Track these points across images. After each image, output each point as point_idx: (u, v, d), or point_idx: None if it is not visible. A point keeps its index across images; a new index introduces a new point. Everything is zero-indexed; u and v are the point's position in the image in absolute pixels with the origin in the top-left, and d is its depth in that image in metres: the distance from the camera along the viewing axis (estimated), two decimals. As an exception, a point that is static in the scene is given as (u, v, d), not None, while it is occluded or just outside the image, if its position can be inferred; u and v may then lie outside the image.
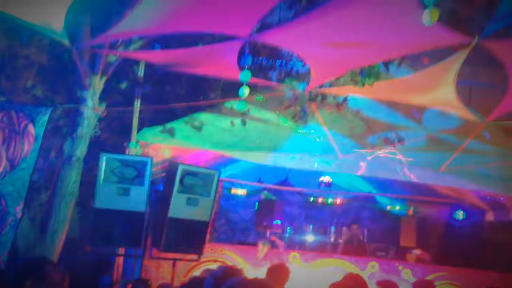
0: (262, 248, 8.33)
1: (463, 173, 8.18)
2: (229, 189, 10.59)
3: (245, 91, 5.20)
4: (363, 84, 5.81)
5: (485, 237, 9.86)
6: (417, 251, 9.57)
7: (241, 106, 5.64)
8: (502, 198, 9.15)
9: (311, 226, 10.84)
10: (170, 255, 7.19)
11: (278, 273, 5.68)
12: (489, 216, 10.05)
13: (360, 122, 8.13)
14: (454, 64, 5.16)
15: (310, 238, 10.74)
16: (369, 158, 8.29)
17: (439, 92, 5.61)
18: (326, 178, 9.93)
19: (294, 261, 8.41)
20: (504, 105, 5.85)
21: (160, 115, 7.90)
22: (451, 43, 4.69)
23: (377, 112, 7.89)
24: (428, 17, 3.51)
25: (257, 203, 10.18)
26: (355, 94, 6.53)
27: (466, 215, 10.02)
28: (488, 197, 9.34)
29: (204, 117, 7.79)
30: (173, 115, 7.81)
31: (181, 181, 6.93)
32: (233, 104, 6.95)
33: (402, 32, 4.45)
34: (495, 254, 9.24)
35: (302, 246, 10.27)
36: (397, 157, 8.16)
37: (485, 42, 4.48)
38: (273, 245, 8.71)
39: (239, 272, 3.16)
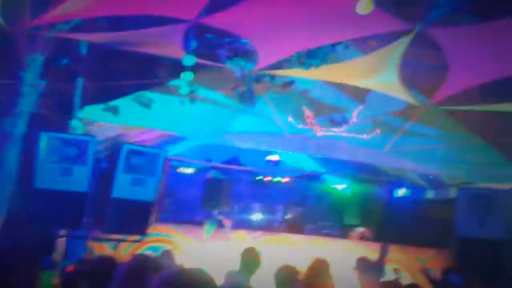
0: (209, 228, 8.35)
1: (406, 154, 8.43)
2: (177, 168, 10.49)
3: (188, 75, 5.11)
4: (310, 66, 5.82)
5: (425, 214, 10.23)
6: (360, 229, 9.86)
7: (184, 90, 5.55)
8: (441, 178, 9.49)
9: (258, 205, 10.94)
10: (114, 236, 7.07)
11: (251, 257, 5.71)
12: (429, 194, 10.42)
13: (308, 103, 8.18)
14: (397, 48, 5.24)
15: (257, 216, 10.85)
16: (315, 138, 8.39)
17: (383, 75, 5.70)
18: (273, 157, 9.99)
19: (241, 240, 8.49)
20: (445, 89, 6.01)
21: (105, 92, 7.66)
22: (395, 29, 4.76)
23: (325, 93, 7.96)
24: (363, 6, 3.52)
25: (204, 182, 10.16)
26: (302, 76, 6.54)
27: (408, 193, 10.34)
28: (428, 177, 9.67)
29: (152, 95, 7.63)
30: (119, 93, 7.59)
31: (125, 160, 6.79)
32: (181, 83, 6.85)
33: (347, 16, 4.46)
34: (434, 231, 9.63)
35: (249, 225, 10.36)
36: (343, 137, 8.29)
37: (427, 28, 4.56)
38: (220, 224, 8.74)
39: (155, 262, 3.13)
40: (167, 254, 6.63)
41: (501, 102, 6.70)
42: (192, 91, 6.61)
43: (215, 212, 9.25)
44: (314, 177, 11.53)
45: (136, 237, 7.29)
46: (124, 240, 7.25)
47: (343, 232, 10.04)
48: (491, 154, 7.96)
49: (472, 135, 7.71)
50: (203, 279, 2.15)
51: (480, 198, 7.52)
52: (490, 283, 7.53)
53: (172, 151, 9.53)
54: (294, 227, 10.06)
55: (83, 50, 6.66)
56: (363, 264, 6.04)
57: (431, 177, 9.65)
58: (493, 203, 7.43)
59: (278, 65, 6.26)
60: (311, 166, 11.35)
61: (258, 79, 6.58)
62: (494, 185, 8.19)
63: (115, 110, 7.23)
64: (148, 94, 7.54)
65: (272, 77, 6.98)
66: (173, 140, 8.78)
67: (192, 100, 7.36)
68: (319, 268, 5.10)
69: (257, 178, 11.50)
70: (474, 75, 5.85)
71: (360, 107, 8.01)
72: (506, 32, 4.72)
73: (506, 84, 6.88)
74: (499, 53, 5.14)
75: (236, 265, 7.18)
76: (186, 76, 5.22)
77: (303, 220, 10.51)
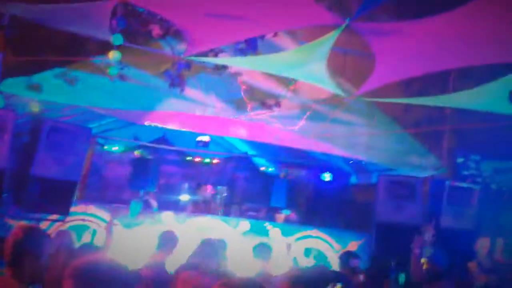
0: (135, 208, 8.23)
1: (332, 140, 8.68)
2: (103, 146, 10.22)
3: (115, 55, 4.97)
4: (242, 55, 5.82)
5: (349, 199, 10.62)
6: (286, 211, 10.09)
7: (112, 70, 5.40)
8: (364, 163, 9.85)
9: (186, 185, 10.90)
10: (34, 215, 6.82)
11: (168, 239, 5.76)
12: (354, 179, 10.80)
13: (240, 87, 8.21)
14: (327, 41, 5.34)
15: (185, 197, 10.81)
16: (246, 121, 8.44)
17: (312, 67, 5.81)
18: (204, 138, 9.94)
19: (168, 221, 8.44)
20: (370, 82, 6.21)
21: (28, 67, 7.29)
22: (327, 22, 4.83)
23: (256, 78, 8.00)
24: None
25: (131, 161, 9.98)
26: (234, 64, 6.54)
27: (333, 177, 10.67)
28: (353, 162, 10.01)
29: (78, 73, 7.35)
30: (43, 67, 7.26)
31: (47, 137, 6.54)
32: (109, 61, 6.65)
33: (282, 7, 4.49)
34: (357, 215, 10.02)
35: (176, 206, 10.31)
36: (273, 122, 8.40)
37: (355, 23, 4.67)
38: (146, 204, 8.64)
39: None
40: (64, 234, 6.49)
41: (422, 95, 7.03)
42: (120, 70, 6.43)
43: (141, 192, 9.13)
44: (243, 159, 11.62)
45: (58, 216, 7.09)
46: (44, 219, 7.02)
47: (269, 214, 10.22)
48: (411, 143, 8.36)
49: (395, 125, 8.05)
50: (118, 272, 2.12)
51: (398, 185, 7.90)
52: (404, 267, 7.98)
53: (99, 128, 9.27)
54: (221, 209, 10.14)
55: (4, 22, 6.29)
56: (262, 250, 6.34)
57: (355, 163, 9.98)
58: (410, 190, 7.82)
59: (210, 52, 6.21)
60: (241, 148, 11.44)
61: (189, 63, 6.50)
62: (413, 173, 8.62)
63: (38, 85, 6.91)
64: (74, 71, 7.26)
65: (204, 63, 6.92)
66: (99, 117, 8.53)
67: (120, 79, 7.17)
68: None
69: (186, 159, 11.43)
70: (398, 70, 6.08)
71: (291, 93, 8.13)
72: (430, 30, 4.92)
73: (428, 80, 7.23)
74: (423, 50, 5.36)
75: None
76: (114, 55, 5.07)
77: (231, 201, 10.60)
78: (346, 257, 6.56)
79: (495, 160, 9.04)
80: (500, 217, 9.03)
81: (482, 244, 8.63)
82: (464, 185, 8.36)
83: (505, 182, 9.35)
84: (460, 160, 8.86)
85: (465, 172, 8.89)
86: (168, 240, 5.85)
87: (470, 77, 6.94)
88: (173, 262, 5.66)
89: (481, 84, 5.85)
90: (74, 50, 6.84)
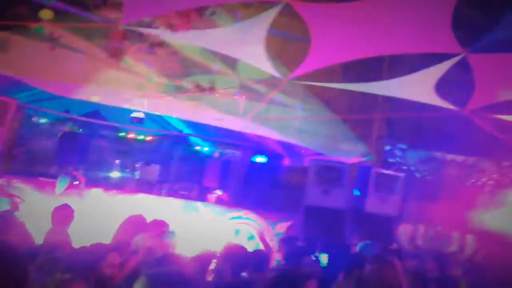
0: (62, 183, 7.99)
1: (267, 122, 8.76)
2: (31, 117, 9.79)
3: (46, 14, 4.76)
4: (177, 30, 5.72)
5: (281, 181, 10.78)
6: (218, 192, 10.12)
7: (39, 29, 5.17)
8: (297, 146, 10.02)
9: (117, 162, 10.68)
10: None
11: (61, 214, 5.66)
12: (286, 162, 10.98)
13: (178, 61, 8.09)
14: (265, 20, 5.35)
15: (115, 174, 10.60)
16: (182, 100, 8.36)
17: (250, 45, 5.81)
18: (138, 114, 9.75)
19: (96, 198, 8.26)
20: (306, 65, 6.29)
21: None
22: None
23: (195, 53, 7.91)
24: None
25: (61, 135, 9.63)
26: (171, 38, 6.43)
27: (266, 159, 10.80)
28: (286, 145, 10.16)
29: (8, 38, 6.97)
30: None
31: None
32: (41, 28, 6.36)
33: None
34: (288, 196, 10.20)
35: (106, 182, 10.08)
36: (209, 101, 8.36)
37: (294, 2, 4.70)
38: (74, 179, 8.39)
39: None
40: None
41: (356, 82, 7.21)
42: (54, 37, 6.18)
43: (69, 167, 8.85)
44: (178, 138, 11.50)
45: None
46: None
47: (201, 194, 10.21)
48: (342, 130, 8.58)
49: (327, 111, 8.23)
50: (12, 256, 2.09)
51: (327, 169, 8.12)
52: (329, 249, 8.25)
53: (26, 98, 8.87)
54: (152, 187, 10.02)
55: None
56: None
57: (288, 145, 10.13)
58: (338, 175, 8.06)
59: (147, 24, 6.07)
60: (176, 126, 11.30)
61: (126, 34, 6.32)
62: (342, 158, 8.87)
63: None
64: (6, 36, 6.88)
65: (141, 35, 6.76)
66: (28, 87, 8.16)
67: (54, 46, 6.88)
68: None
69: (119, 135, 11.16)
70: (336, 53, 6.18)
71: (229, 73, 8.12)
72: (370, 12, 5.01)
73: (365, 64, 7.42)
74: (362, 33, 5.44)
75: (89, 224, 7.04)
76: (45, 14, 4.84)
77: (163, 180, 10.49)
78: (287, 239, 6.85)
79: (420, 149, 9.44)
80: (422, 205, 9.44)
81: (405, 230, 9.01)
82: (390, 172, 8.70)
83: (428, 171, 9.80)
84: (387, 148, 9.19)
85: (392, 160, 9.24)
86: (62, 216, 5.78)
87: (402, 65, 7.20)
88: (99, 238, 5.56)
89: (412, 73, 6.08)
90: (6, 14, 6.49)
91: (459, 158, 9.28)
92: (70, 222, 5.79)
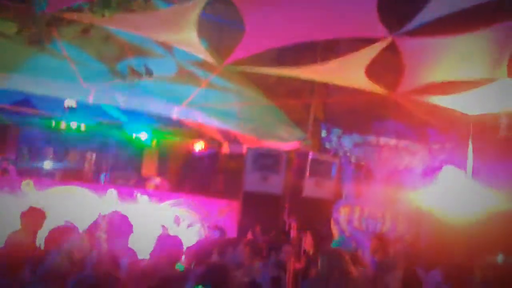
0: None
1: (205, 109, 8.71)
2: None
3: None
4: (102, 15, 5.56)
5: (220, 167, 10.80)
6: (157, 180, 10.00)
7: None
8: (236, 133, 10.03)
9: (50, 152, 10.31)
10: None
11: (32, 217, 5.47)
12: (225, 149, 10.98)
13: (111, 46, 7.89)
14: (197, 5, 5.30)
15: (48, 164, 10.24)
16: (116, 87, 8.16)
17: (182, 31, 5.74)
18: (71, 102, 9.44)
19: (27, 189, 7.97)
20: (240, 50, 6.28)
21: None
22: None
23: (129, 37, 7.74)
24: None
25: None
26: (100, 23, 6.23)
27: (205, 146, 10.76)
28: (225, 131, 10.14)
29: None
30: None
31: None
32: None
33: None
34: (226, 183, 10.24)
35: (38, 173, 9.73)
36: (145, 88, 8.21)
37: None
38: (4, 171, 8.06)
39: None
40: None
41: (292, 66, 7.27)
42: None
43: (-1, 158, 8.49)
44: (113, 125, 11.20)
45: None
46: None
47: (139, 182, 10.04)
48: (279, 116, 8.68)
49: (264, 97, 8.29)
50: None
51: (264, 157, 8.23)
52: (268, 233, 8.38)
53: None
54: (89, 176, 9.78)
55: None
56: None
57: (226, 132, 10.11)
58: (275, 162, 8.19)
59: (77, 9, 5.85)
60: (112, 113, 11.01)
61: (51, 21, 6.06)
62: (279, 144, 8.98)
63: None
64: None
65: (70, 22, 6.51)
66: None
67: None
68: None
69: (52, 123, 10.74)
70: (270, 38, 6.20)
71: (165, 57, 8.01)
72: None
73: (299, 50, 7.51)
74: (294, 19, 5.48)
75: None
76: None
77: (100, 169, 10.25)
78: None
79: (354, 134, 9.67)
80: (358, 188, 9.70)
81: (343, 213, 9.24)
82: (326, 157, 8.91)
83: (363, 156, 10.06)
84: (323, 133, 9.37)
85: (328, 145, 9.43)
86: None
87: (334, 50, 7.35)
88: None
89: (343, 57, 6.20)
90: None
91: (392, 142, 9.58)
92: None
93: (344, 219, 9.21)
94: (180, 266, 5.32)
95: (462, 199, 7.83)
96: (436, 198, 8.65)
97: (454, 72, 6.38)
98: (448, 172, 8.81)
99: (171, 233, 8.11)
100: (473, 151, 7.67)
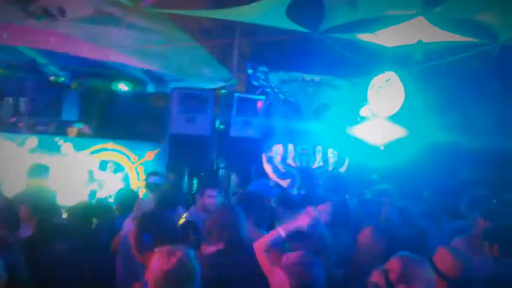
0: None
1: (126, 48, 8.37)
2: None
3: None
4: None
5: (145, 109, 10.55)
6: (79, 125, 9.65)
7: None
8: (160, 73, 9.79)
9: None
10: None
11: None
12: (150, 88, 10.71)
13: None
14: None
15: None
16: (32, 26, 7.64)
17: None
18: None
19: None
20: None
21: None
22: None
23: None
24: None
25: None
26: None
27: (128, 87, 10.43)
28: (148, 72, 9.86)
29: None
30: None
31: None
32: None
33: None
34: (153, 125, 10.06)
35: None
36: (62, 26, 7.74)
37: None
38: None
39: None
40: None
41: (215, 8, 7.07)
42: None
43: None
44: (30, 68, 10.54)
45: None
46: None
47: (60, 128, 9.63)
48: (203, 55, 8.49)
49: (187, 36, 8.04)
50: None
51: (190, 98, 8.11)
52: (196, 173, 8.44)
53: None
54: (4, 123, 9.28)
55: None
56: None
57: (151, 72, 9.84)
58: (202, 102, 8.09)
59: None
60: (28, 54, 10.33)
61: None
62: (205, 85, 8.87)
63: None
64: None
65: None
66: None
67: None
68: None
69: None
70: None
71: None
72: None
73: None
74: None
75: None
76: None
77: (16, 115, 9.72)
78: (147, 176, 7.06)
79: (281, 71, 9.68)
80: (289, 125, 9.79)
81: (276, 151, 9.34)
82: (253, 96, 8.90)
83: (290, 92, 10.13)
84: (249, 71, 9.30)
85: (255, 83, 9.39)
86: None
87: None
88: None
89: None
90: None
91: (316, 78, 9.69)
92: None
93: (277, 157, 9.32)
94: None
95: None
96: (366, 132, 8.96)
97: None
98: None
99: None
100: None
